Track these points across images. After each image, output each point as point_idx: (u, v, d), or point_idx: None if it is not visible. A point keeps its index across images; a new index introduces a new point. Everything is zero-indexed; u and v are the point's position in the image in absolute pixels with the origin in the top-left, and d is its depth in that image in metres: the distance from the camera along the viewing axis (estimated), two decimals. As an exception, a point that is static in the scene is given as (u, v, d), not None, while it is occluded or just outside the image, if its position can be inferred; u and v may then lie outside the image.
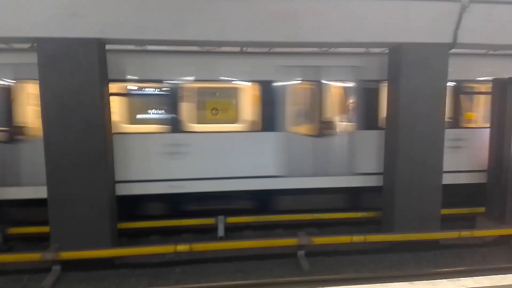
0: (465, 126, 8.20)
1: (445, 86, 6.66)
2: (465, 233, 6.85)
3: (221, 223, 7.34)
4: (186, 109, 7.49)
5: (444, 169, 6.84)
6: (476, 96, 8.53)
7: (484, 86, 8.17)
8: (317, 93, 7.78)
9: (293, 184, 7.66)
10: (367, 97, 7.76)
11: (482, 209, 7.74)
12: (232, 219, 7.49)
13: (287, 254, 6.59)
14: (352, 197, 8.27)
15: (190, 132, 7.37)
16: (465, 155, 8.02)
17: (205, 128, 7.62)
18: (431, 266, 6.37)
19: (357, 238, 6.57)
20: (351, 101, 8.04)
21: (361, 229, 7.75)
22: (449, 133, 7.15)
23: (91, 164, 6.06)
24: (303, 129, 7.88)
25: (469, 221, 7.89)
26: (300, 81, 7.76)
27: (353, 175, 7.78)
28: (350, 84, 7.90)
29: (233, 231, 7.61)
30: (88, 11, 5.73)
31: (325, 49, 7.73)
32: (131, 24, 5.87)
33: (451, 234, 6.85)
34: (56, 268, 5.91)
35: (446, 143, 6.87)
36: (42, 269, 5.99)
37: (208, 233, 7.55)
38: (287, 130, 7.64)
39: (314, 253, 6.60)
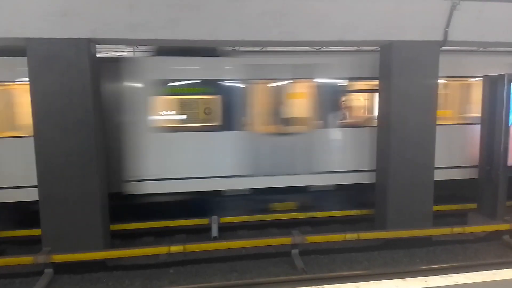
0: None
1: (437, 84, 6.72)
2: (457, 229, 6.94)
3: (214, 223, 7.33)
4: None
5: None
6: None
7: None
8: None
9: None
10: None
11: (474, 205, 7.82)
12: (226, 219, 7.48)
13: (281, 253, 6.61)
14: None
15: None
16: None
17: None
18: (424, 262, 6.43)
19: (350, 236, 6.60)
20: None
21: (355, 227, 7.78)
22: None
23: (83, 165, 5.99)
24: None
25: (461, 217, 7.98)
26: None
27: None
28: None
29: (227, 231, 7.58)
30: (78, 11, 5.66)
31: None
32: (121, 24, 5.81)
33: (443, 230, 6.92)
34: (49, 271, 5.85)
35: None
36: (34, 272, 5.93)
37: (202, 233, 7.53)
38: None
39: (308, 251, 6.63)
